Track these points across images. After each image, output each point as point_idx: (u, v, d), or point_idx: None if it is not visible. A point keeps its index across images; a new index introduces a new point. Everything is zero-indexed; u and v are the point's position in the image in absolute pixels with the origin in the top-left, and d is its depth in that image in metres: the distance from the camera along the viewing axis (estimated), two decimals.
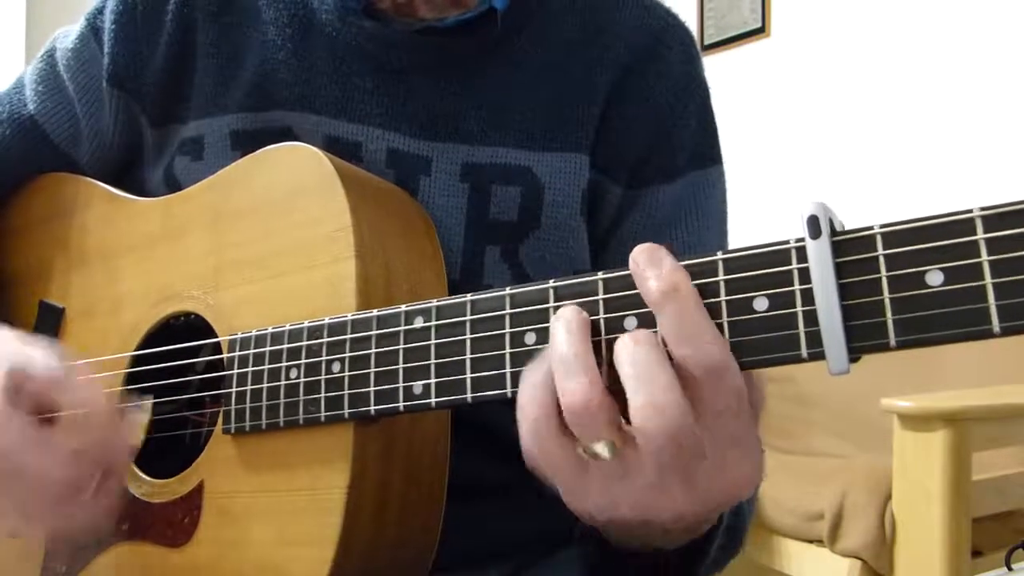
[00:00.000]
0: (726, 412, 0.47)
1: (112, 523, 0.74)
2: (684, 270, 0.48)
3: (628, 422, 0.47)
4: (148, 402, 0.75)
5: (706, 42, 3.48)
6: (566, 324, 0.49)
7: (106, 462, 0.66)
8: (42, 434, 0.64)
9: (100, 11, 0.88)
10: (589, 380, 0.47)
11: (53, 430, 0.65)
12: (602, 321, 0.51)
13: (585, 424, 0.47)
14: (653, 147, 0.82)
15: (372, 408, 0.60)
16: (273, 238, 0.71)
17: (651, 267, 0.48)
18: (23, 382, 0.64)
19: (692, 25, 0.91)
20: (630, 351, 0.47)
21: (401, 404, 0.59)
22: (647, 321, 0.49)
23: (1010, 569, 1.76)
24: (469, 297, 0.57)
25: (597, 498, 0.50)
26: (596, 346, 0.49)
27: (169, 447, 0.78)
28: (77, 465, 0.64)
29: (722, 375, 0.46)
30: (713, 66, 3.30)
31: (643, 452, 0.47)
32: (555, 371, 0.48)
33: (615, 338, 0.48)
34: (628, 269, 0.50)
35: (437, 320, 0.58)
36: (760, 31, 3.34)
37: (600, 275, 0.52)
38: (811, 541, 1.90)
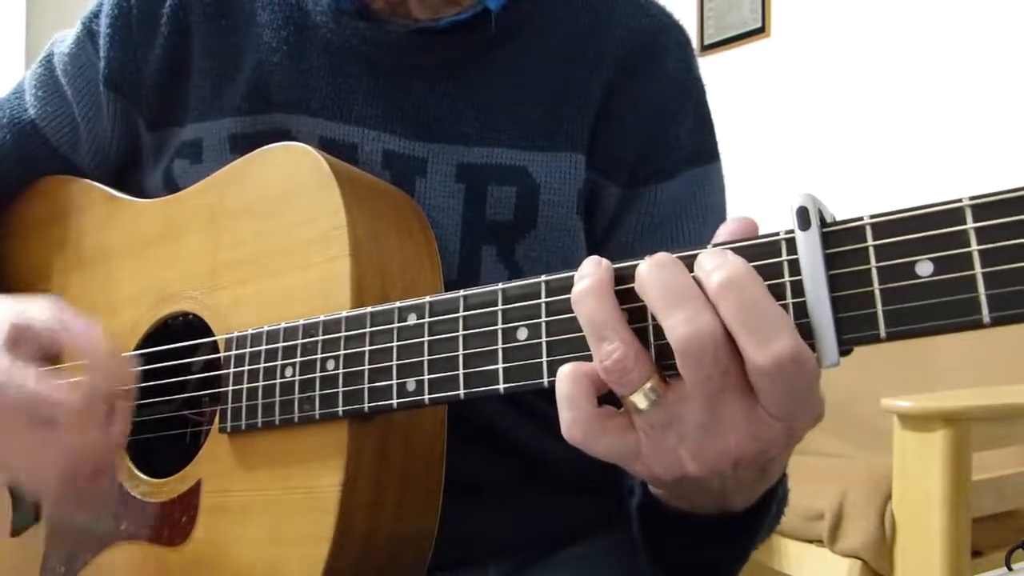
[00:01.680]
0: (799, 401, 0.46)
1: (105, 525, 0.74)
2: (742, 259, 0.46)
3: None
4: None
5: (706, 42, 3.48)
6: (591, 288, 0.49)
7: (111, 390, 0.66)
8: (46, 374, 0.65)
9: (96, 15, 0.88)
10: (621, 339, 0.47)
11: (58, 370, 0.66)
12: None
13: (625, 381, 0.47)
14: (651, 146, 0.82)
15: (366, 405, 0.60)
16: (268, 238, 0.71)
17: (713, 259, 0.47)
18: (22, 332, 0.66)
19: (692, 25, 0.92)
20: (656, 277, 0.47)
21: (395, 401, 0.59)
22: (638, 317, 0.49)
23: (1010, 569, 1.76)
24: (461, 293, 0.57)
25: (655, 457, 0.49)
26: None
27: (167, 446, 0.78)
28: (83, 393, 0.64)
29: (798, 368, 0.45)
30: (713, 66, 3.32)
31: (687, 384, 0.46)
32: (588, 336, 0.48)
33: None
34: (616, 263, 0.50)
35: (430, 317, 0.58)
36: (760, 31, 3.35)
37: None
38: (811, 541, 1.89)
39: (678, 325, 0.45)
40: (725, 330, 0.45)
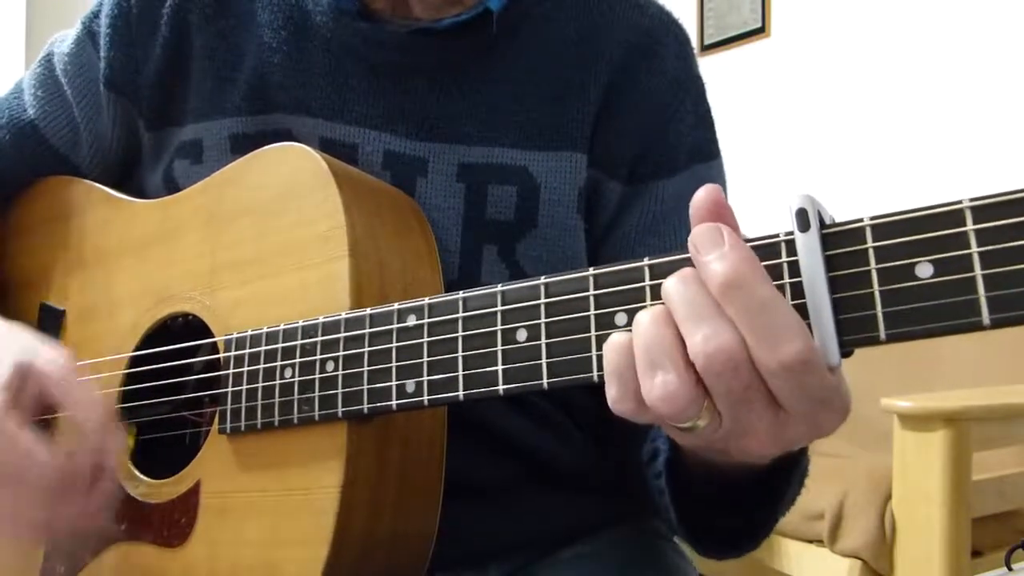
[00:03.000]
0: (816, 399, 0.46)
1: (106, 526, 0.74)
2: (748, 251, 0.46)
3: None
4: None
5: (706, 42, 3.48)
6: (649, 314, 0.47)
7: (98, 464, 0.66)
8: (38, 435, 0.65)
9: (96, 15, 0.88)
10: (667, 377, 0.46)
11: (49, 432, 0.66)
12: (592, 317, 0.51)
13: (671, 415, 0.46)
14: (651, 143, 0.82)
15: (365, 407, 0.60)
16: (267, 238, 0.71)
17: (712, 248, 0.46)
18: (27, 378, 0.66)
19: (692, 25, 0.91)
20: (680, 291, 0.46)
21: (394, 402, 0.59)
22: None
23: (1010, 569, 1.76)
24: (461, 295, 0.57)
25: (682, 441, 0.50)
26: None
27: (167, 447, 0.78)
28: (70, 465, 0.64)
29: (808, 369, 0.44)
30: (713, 66, 3.32)
31: (715, 399, 0.46)
32: (636, 361, 0.47)
33: None
34: (617, 264, 0.50)
35: (429, 318, 0.58)
36: (760, 31, 3.34)
37: (591, 271, 0.51)
38: (811, 541, 1.89)
39: (699, 343, 0.45)
40: (740, 343, 0.44)
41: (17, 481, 0.64)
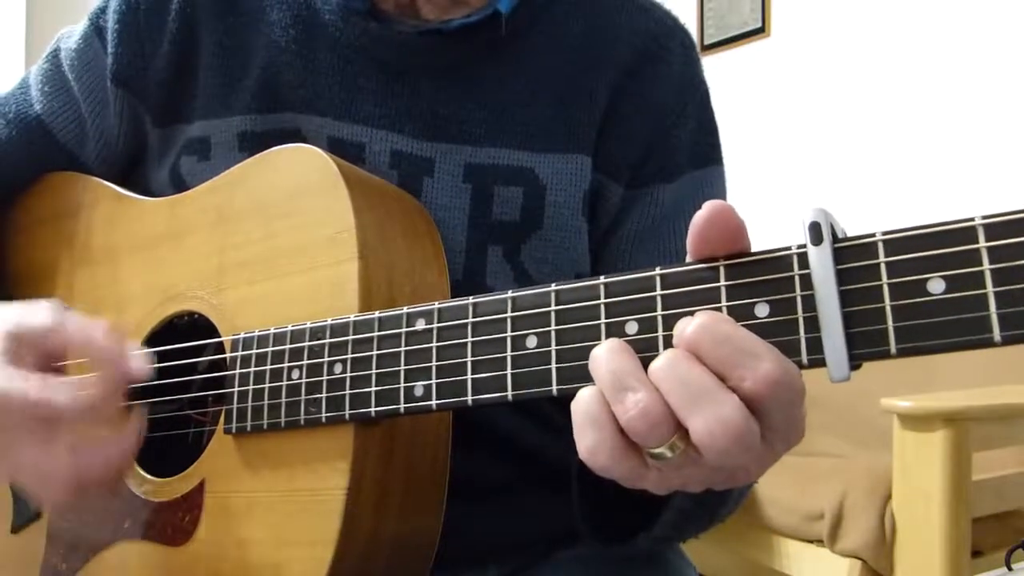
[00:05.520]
0: (791, 418, 0.47)
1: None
2: (709, 314, 0.46)
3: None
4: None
5: (706, 42, 3.48)
6: (606, 345, 0.48)
7: (114, 395, 0.65)
8: (48, 377, 0.64)
9: (103, 10, 0.88)
10: (642, 394, 0.46)
11: (60, 374, 0.66)
12: (603, 325, 0.51)
13: (648, 436, 0.46)
14: (653, 147, 0.83)
15: (373, 409, 0.60)
16: (276, 239, 0.71)
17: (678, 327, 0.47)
18: (21, 340, 0.65)
19: (692, 25, 0.91)
20: (675, 371, 0.46)
21: (402, 405, 0.59)
22: (648, 327, 0.49)
23: (1010, 569, 1.76)
24: (471, 300, 0.57)
25: (653, 485, 0.50)
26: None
27: (171, 446, 0.78)
28: (87, 395, 0.64)
29: (789, 386, 0.45)
30: (713, 66, 3.31)
31: (705, 453, 0.46)
32: (604, 391, 0.47)
33: (653, 356, 0.47)
34: (629, 273, 0.50)
35: (439, 322, 0.58)
36: (760, 31, 3.34)
37: (602, 279, 0.52)
38: (811, 541, 1.90)
39: (697, 428, 0.45)
40: (750, 424, 0.45)
41: (41, 433, 0.63)
